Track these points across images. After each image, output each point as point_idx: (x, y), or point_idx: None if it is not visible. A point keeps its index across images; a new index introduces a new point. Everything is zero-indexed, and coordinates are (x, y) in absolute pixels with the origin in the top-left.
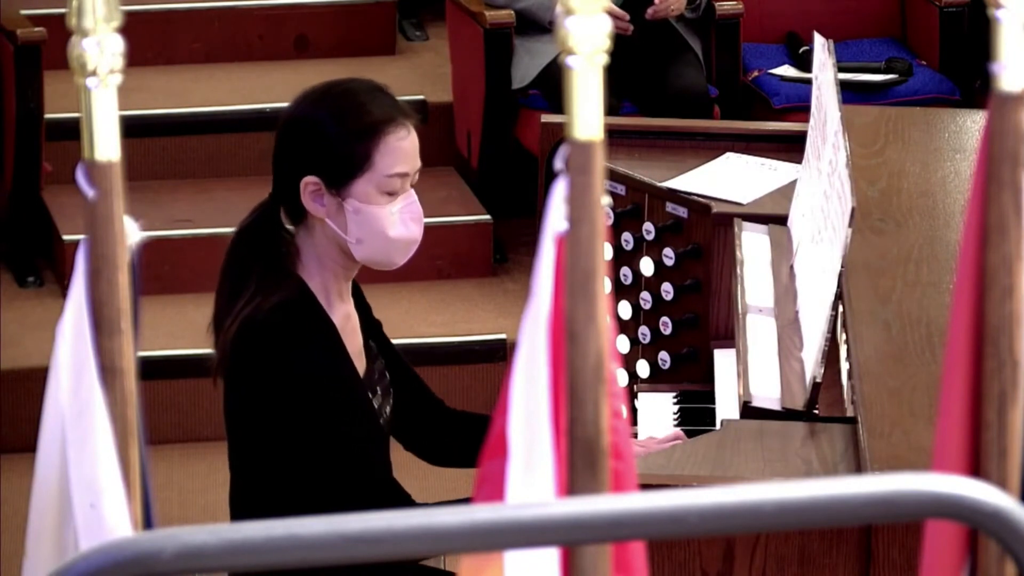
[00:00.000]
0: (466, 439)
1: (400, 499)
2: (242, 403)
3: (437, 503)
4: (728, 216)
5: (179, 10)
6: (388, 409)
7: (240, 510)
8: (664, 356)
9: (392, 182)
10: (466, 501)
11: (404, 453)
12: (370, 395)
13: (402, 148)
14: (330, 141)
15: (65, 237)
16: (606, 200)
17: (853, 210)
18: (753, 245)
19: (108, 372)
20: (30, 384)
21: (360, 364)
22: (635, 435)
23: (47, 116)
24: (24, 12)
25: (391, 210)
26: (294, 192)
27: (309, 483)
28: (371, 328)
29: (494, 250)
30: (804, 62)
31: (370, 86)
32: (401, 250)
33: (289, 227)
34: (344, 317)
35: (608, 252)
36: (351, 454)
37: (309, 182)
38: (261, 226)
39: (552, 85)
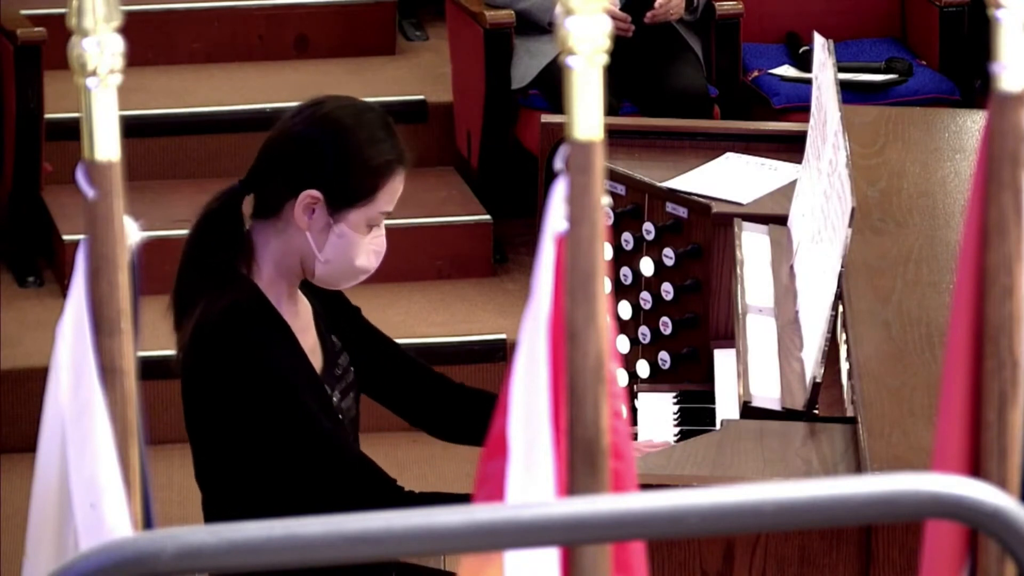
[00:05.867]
0: (470, 414)
1: (379, 480)
2: (202, 407)
3: (422, 493)
4: (728, 216)
5: (179, 10)
6: (350, 404)
7: (213, 515)
8: (664, 356)
9: (379, 217)
10: (461, 497)
11: (403, 451)
12: (328, 390)
13: (398, 190)
14: (348, 167)
15: (65, 237)
16: (606, 200)
17: (853, 210)
18: (753, 245)
19: (108, 372)
20: (30, 384)
21: (316, 360)
22: (635, 436)
23: (47, 116)
24: (24, 12)
25: (365, 241)
26: (280, 194)
27: (283, 477)
28: (336, 319)
29: (494, 250)
30: (804, 62)
31: (388, 120)
32: (354, 277)
33: (247, 219)
34: (293, 315)
35: (608, 252)
36: (322, 443)
37: (310, 195)
38: (227, 214)
39: (552, 85)
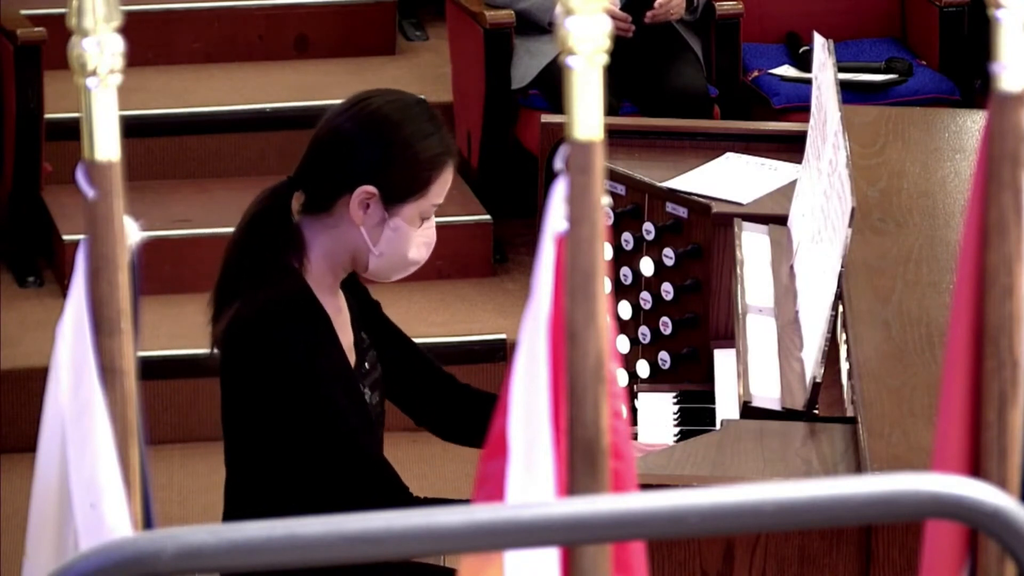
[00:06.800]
0: (474, 416)
1: (394, 484)
2: (238, 393)
3: (433, 499)
4: (728, 216)
5: (179, 10)
6: (377, 400)
7: (234, 501)
8: (664, 356)
9: (431, 210)
10: (462, 503)
11: (403, 451)
12: (361, 387)
13: (448, 181)
14: (402, 162)
15: (65, 237)
16: (606, 200)
17: (853, 210)
18: (753, 245)
19: (108, 372)
20: (30, 384)
21: (351, 357)
22: (635, 436)
23: (47, 116)
24: (24, 12)
25: (417, 233)
26: (332, 190)
27: (303, 472)
28: (365, 315)
29: (494, 250)
30: (804, 62)
31: (433, 113)
32: (406, 269)
33: (295, 214)
34: (336, 311)
35: (608, 252)
36: (344, 442)
37: (366, 191)
38: (275, 211)
39: (552, 85)
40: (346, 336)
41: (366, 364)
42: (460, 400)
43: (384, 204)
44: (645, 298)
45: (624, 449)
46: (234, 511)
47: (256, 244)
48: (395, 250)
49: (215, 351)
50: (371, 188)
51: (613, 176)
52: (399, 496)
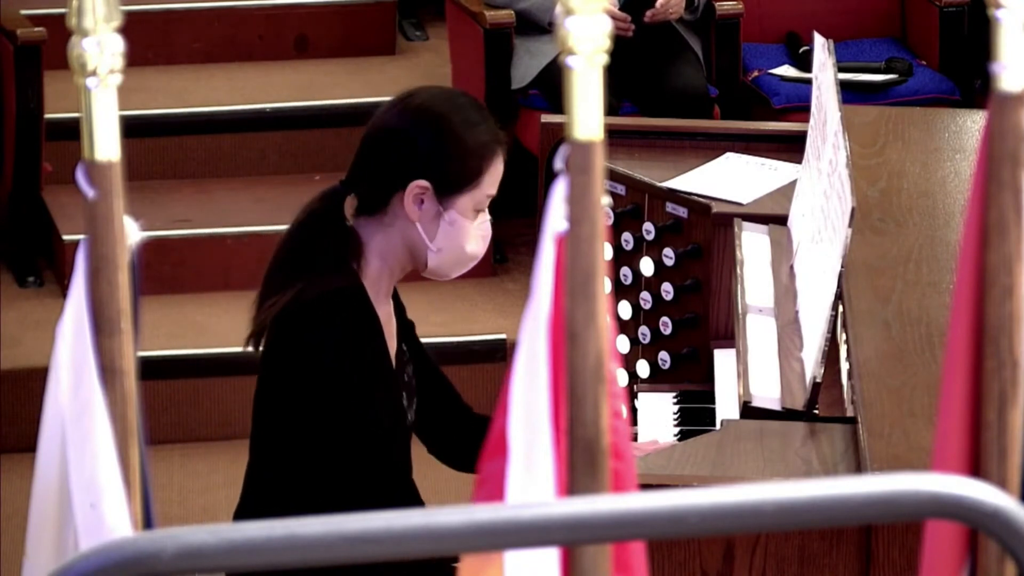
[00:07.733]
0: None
1: (413, 501)
2: (277, 377)
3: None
4: (728, 216)
5: (179, 10)
6: (412, 412)
7: (253, 491)
8: (664, 356)
9: (485, 201)
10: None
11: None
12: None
13: (500, 171)
14: (452, 153)
15: (65, 237)
16: (606, 200)
17: (853, 210)
18: (753, 245)
19: (108, 372)
20: (30, 384)
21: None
22: (635, 436)
23: (47, 116)
24: (24, 12)
25: (474, 226)
26: (385, 188)
27: (326, 462)
28: (404, 330)
29: (494, 250)
30: (804, 62)
31: (480, 104)
32: (465, 264)
33: (349, 218)
34: (387, 316)
35: (608, 252)
36: (374, 445)
37: (419, 185)
38: (328, 214)
39: (552, 85)
40: (391, 345)
41: (405, 375)
42: (472, 431)
43: (438, 197)
44: (645, 298)
45: (624, 449)
46: (252, 494)
47: (311, 245)
48: (453, 244)
49: (253, 348)
50: (424, 182)
51: (613, 176)
52: (406, 503)
